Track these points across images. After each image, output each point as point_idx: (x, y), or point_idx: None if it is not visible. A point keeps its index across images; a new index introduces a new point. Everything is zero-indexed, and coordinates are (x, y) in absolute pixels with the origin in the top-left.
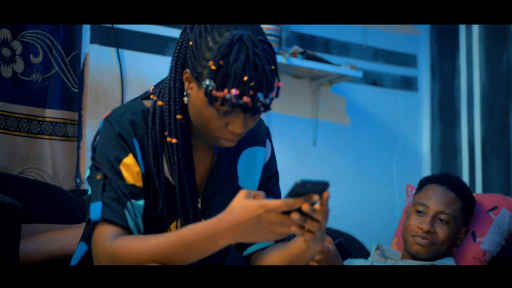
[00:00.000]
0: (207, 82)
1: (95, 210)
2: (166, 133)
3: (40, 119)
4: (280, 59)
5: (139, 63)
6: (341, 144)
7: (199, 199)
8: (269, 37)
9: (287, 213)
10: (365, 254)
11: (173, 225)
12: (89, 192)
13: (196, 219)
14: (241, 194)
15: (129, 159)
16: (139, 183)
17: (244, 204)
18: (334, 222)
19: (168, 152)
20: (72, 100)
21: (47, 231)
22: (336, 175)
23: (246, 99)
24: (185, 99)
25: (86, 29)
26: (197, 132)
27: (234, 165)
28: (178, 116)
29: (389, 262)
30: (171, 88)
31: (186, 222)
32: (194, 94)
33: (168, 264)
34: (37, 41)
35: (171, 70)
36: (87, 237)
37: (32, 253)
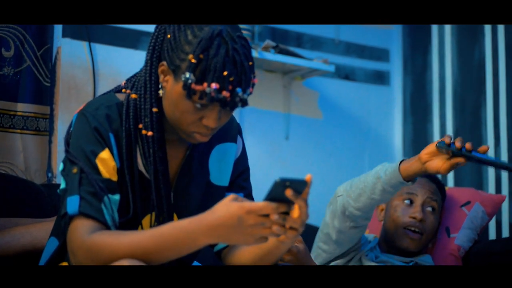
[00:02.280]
0: (187, 75)
1: (72, 203)
2: (140, 126)
3: (11, 113)
4: (252, 53)
5: (111, 57)
6: (313, 138)
7: (171, 193)
8: (242, 31)
9: (267, 215)
10: None
11: (146, 219)
12: (63, 185)
13: (170, 213)
14: (228, 197)
15: (105, 154)
16: (115, 178)
17: (227, 205)
18: None
19: (143, 145)
20: (44, 94)
21: (19, 225)
22: (308, 169)
23: (225, 93)
24: (160, 91)
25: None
26: (170, 126)
27: (206, 161)
28: (154, 109)
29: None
30: (147, 81)
31: (159, 215)
32: (170, 87)
33: (146, 260)
34: (9, 35)
35: (146, 63)
36: (58, 232)
37: (3, 247)
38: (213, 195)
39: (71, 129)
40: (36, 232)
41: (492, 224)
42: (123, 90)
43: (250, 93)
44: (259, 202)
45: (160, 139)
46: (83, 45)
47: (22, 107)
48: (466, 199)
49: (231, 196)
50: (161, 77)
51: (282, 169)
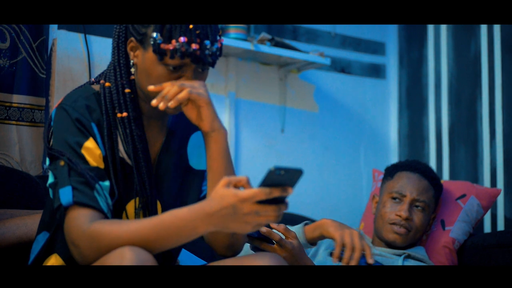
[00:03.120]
0: (154, 35)
1: (65, 194)
2: (117, 111)
3: (7, 104)
4: (248, 46)
5: (107, 49)
6: (309, 131)
7: (153, 176)
8: (237, 24)
9: (263, 202)
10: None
11: (130, 204)
12: (51, 179)
13: (153, 195)
14: (222, 182)
15: (89, 143)
16: (102, 165)
17: (221, 193)
18: (302, 209)
19: (122, 130)
20: (40, 85)
21: (14, 217)
22: (304, 162)
23: (194, 45)
24: (132, 70)
25: None
26: (147, 109)
27: (185, 146)
28: (127, 90)
29: None
30: (116, 66)
31: (142, 198)
32: (141, 60)
33: (146, 248)
34: (4, 26)
35: (113, 50)
36: (49, 225)
37: None
38: (194, 179)
39: (52, 123)
40: (32, 223)
41: (487, 218)
42: (101, 81)
43: (219, 50)
44: (253, 188)
45: (136, 118)
46: (79, 36)
47: (18, 99)
48: (462, 192)
49: (224, 180)
50: (131, 54)
51: (278, 161)
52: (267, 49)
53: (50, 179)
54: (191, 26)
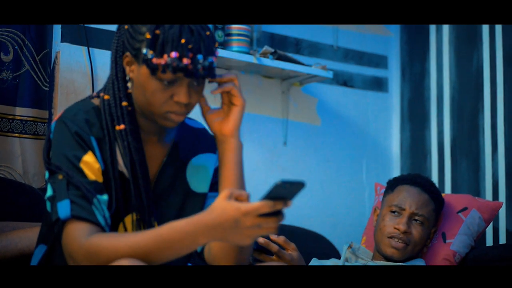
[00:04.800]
0: (144, 50)
1: (63, 208)
2: (115, 123)
3: (10, 117)
4: (250, 59)
5: (109, 62)
6: (311, 144)
7: (150, 191)
8: (240, 37)
9: (265, 215)
10: (334, 253)
11: (128, 218)
12: (50, 193)
13: (150, 210)
14: (223, 194)
15: (88, 157)
16: (101, 179)
17: (223, 205)
18: (304, 221)
19: (122, 143)
20: (43, 98)
21: (17, 229)
22: (306, 175)
23: (186, 60)
24: (129, 84)
25: (57, 28)
26: (146, 123)
27: (183, 173)
28: (124, 103)
29: (359, 261)
30: (114, 79)
31: (140, 213)
32: (136, 74)
33: (145, 261)
34: (8, 39)
35: (111, 64)
36: (47, 238)
37: (0, 251)
38: (195, 203)
39: (51, 137)
40: (34, 236)
41: (489, 231)
42: (98, 94)
43: (214, 63)
44: (255, 202)
45: (133, 131)
46: (82, 50)
47: (21, 111)
48: (463, 205)
49: (225, 192)
50: (127, 69)
51: (280, 174)
52: (269, 62)
53: (49, 192)
54: (183, 40)
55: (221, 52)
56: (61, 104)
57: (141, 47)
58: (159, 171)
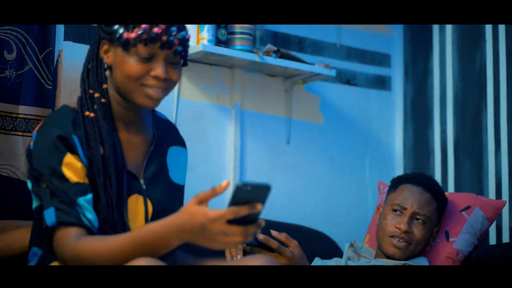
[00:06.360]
0: (116, 27)
1: (49, 216)
2: (87, 113)
3: (13, 115)
4: (254, 57)
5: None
6: (314, 143)
7: (142, 181)
8: (243, 36)
9: (234, 221)
10: (337, 252)
11: (131, 199)
12: (37, 203)
13: (121, 196)
14: (194, 199)
15: (68, 158)
16: (84, 179)
17: (191, 210)
18: (307, 220)
19: (92, 129)
20: (46, 97)
21: (20, 228)
22: (309, 173)
23: (157, 29)
24: (107, 72)
25: (60, 26)
26: (124, 113)
27: (164, 159)
28: (96, 95)
29: (362, 260)
30: (84, 77)
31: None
32: (112, 57)
33: (126, 263)
34: (11, 37)
35: (85, 62)
36: (39, 242)
37: (4, 250)
38: (176, 193)
39: (31, 147)
40: None
41: (492, 230)
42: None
43: (188, 40)
44: (222, 209)
45: (105, 118)
46: (85, 48)
47: (24, 110)
48: (466, 204)
49: (195, 198)
50: (105, 58)
51: (283, 173)
52: (272, 60)
53: (36, 203)
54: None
55: (224, 51)
56: (64, 103)
57: (114, 27)
58: (147, 159)
